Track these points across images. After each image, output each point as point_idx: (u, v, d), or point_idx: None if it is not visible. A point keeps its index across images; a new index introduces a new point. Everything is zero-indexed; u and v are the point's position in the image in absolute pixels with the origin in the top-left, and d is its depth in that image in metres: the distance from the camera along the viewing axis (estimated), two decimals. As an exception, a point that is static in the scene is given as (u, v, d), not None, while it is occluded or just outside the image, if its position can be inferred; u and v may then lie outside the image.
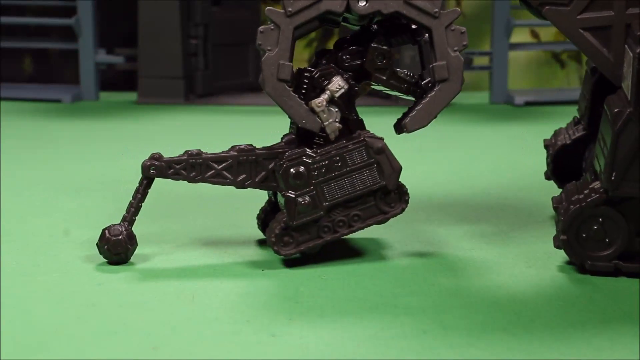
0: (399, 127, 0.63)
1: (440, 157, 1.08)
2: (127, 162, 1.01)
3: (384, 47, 0.62)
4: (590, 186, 0.62)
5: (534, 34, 1.77)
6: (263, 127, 1.25)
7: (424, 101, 0.62)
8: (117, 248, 0.63)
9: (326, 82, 0.62)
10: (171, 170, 0.64)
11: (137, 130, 1.30)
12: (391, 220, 0.64)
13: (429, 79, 0.63)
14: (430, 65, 0.62)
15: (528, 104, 1.53)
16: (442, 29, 0.61)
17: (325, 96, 0.61)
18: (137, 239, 0.65)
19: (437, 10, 0.61)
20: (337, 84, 0.61)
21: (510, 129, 1.32)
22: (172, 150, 0.68)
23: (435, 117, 0.62)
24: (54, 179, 0.94)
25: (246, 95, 1.62)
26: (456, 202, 0.83)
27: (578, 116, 0.76)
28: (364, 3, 0.60)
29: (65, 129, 1.31)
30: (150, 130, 1.30)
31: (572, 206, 0.62)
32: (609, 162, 0.60)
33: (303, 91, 0.62)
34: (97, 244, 0.64)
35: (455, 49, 0.61)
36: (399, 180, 0.63)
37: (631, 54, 0.59)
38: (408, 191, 0.64)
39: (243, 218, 0.75)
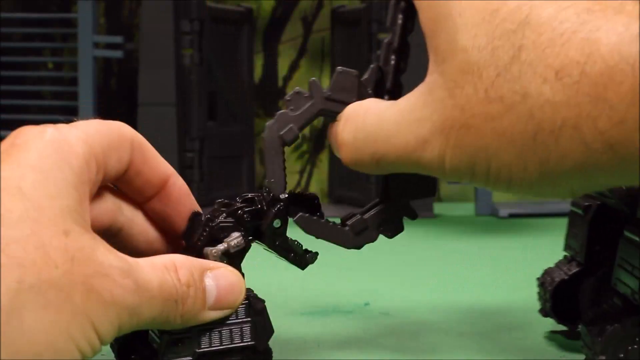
0: None
1: (426, 271, 1.12)
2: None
3: (284, 215, 0.64)
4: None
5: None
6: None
7: None
8: None
9: (224, 235, 0.62)
10: None
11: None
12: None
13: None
14: None
15: (512, 215, 1.58)
16: None
17: (222, 247, 0.62)
18: None
19: None
20: (236, 241, 0.62)
21: (495, 241, 1.36)
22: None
23: None
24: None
25: (239, 206, 1.66)
26: (441, 319, 0.86)
27: (568, 255, 0.78)
28: None
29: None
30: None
31: (608, 326, 0.62)
32: None
33: (202, 237, 0.62)
34: None
35: None
36: (268, 343, 0.63)
37: None
38: (272, 354, 0.64)
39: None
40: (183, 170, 1.63)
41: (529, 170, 0.49)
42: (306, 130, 1.87)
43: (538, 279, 0.80)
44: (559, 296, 0.76)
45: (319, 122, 1.87)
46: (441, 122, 0.51)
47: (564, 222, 0.78)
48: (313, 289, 0.95)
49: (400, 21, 0.64)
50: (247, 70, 1.77)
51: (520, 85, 0.47)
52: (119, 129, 0.59)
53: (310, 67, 1.85)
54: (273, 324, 0.60)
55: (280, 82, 1.87)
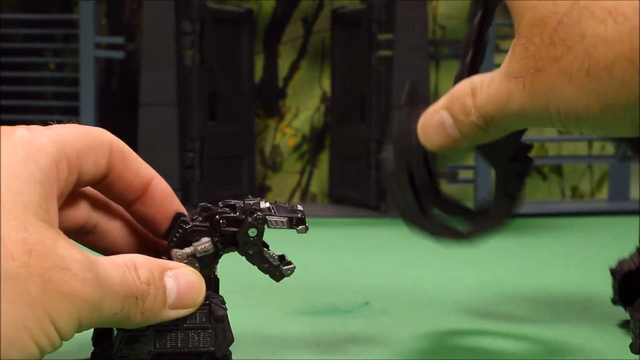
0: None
1: (425, 270, 1.12)
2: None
3: (260, 224, 0.64)
4: None
5: (517, 149, 1.84)
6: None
7: None
8: None
9: (196, 238, 0.63)
10: None
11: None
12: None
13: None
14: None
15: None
16: None
17: (188, 250, 0.63)
18: None
19: None
20: (204, 246, 0.63)
21: (494, 241, 1.36)
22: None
23: None
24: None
25: (240, 206, 1.67)
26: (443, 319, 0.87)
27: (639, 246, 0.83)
28: None
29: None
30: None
31: None
32: None
33: (175, 237, 0.63)
34: None
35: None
36: (229, 349, 0.63)
37: None
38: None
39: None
40: (183, 170, 1.63)
41: (590, 105, 0.54)
42: (306, 130, 1.87)
43: (610, 268, 0.84)
44: (627, 285, 0.81)
45: (319, 122, 1.88)
46: (518, 72, 0.57)
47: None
48: (313, 288, 0.95)
49: None
50: (247, 71, 1.78)
51: (579, 27, 0.53)
52: (97, 133, 0.61)
53: (310, 67, 1.85)
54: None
55: (280, 83, 1.88)
